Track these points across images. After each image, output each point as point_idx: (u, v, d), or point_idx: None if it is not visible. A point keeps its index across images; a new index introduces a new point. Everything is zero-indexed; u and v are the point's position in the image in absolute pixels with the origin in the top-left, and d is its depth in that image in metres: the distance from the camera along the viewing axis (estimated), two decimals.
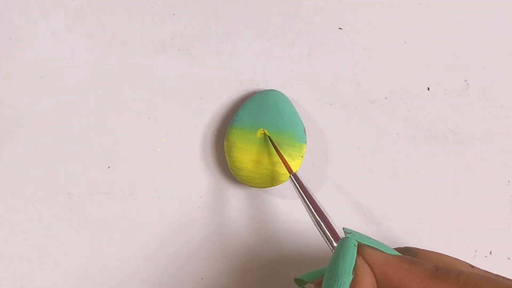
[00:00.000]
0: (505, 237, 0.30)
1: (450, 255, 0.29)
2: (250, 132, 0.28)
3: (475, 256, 0.29)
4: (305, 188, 0.25)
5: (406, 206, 0.30)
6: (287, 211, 0.29)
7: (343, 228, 0.23)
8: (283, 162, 0.27)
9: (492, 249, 0.30)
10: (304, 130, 0.29)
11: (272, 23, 0.30)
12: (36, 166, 0.30)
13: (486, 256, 0.30)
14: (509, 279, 0.21)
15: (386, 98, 0.30)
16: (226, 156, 0.29)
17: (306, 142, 0.28)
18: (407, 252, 0.24)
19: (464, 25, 0.30)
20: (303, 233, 0.29)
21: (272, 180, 0.28)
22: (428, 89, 0.30)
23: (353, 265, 0.21)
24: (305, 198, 0.25)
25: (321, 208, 0.24)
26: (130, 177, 0.30)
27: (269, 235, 0.29)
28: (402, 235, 0.29)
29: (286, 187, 0.29)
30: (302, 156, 0.28)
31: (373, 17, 0.30)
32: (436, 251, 0.29)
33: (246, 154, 0.28)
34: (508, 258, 0.30)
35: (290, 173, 0.26)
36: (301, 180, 0.26)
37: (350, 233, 0.22)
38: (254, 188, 0.29)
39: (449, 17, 0.30)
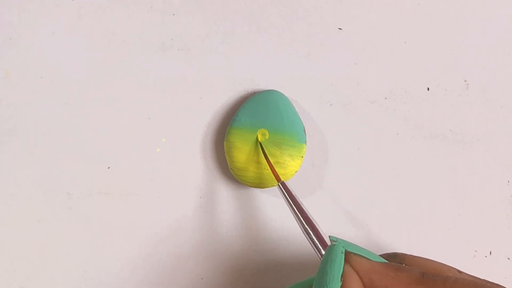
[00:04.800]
0: (505, 237, 0.30)
1: (450, 255, 0.29)
2: (250, 132, 0.28)
3: (475, 256, 0.29)
4: (293, 197, 0.25)
5: (406, 206, 0.30)
6: (287, 211, 0.29)
7: (329, 236, 0.23)
8: (271, 169, 0.27)
9: (492, 249, 0.30)
10: (304, 130, 0.29)
11: (272, 23, 0.30)
12: (36, 166, 0.30)
13: (486, 256, 0.30)
14: (496, 284, 0.21)
15: (386, 98, 0.30)
16: (226, 156, 0.29)
17: (306, 142, 0.28)
18: (394, 258, 0.24)
19: (464, 25, 0.30)
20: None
21: (272, 180, 0.28)
22: (428, 89, 0.30)
23: (341, 272, 0.21)
24: (293, 207, 0.25)
25: (309, 216, 0.24)
26: (130, 177, 0.30)
27: (269, 234, 0.29)
28: (402, 234, 0.29)
29: None
30: (302, 156, 0.28)
31: (373, 17, 0.30)
32: (436, 251, 0.29)
33: (246, 154, 0.28)
34: (508, 258, 0.30)
35: (278, 181, 0.26)
36: (289, 188, 0.25)
37: (336, 241, 0.22)
38: (254, 188, 0.29)
39: (449, 17, 0.30)
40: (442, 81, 0.30)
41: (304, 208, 0.24)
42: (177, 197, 0.30)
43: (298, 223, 0.24)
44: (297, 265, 0.29)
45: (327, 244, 0.23)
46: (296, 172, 0.28)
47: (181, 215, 0.29)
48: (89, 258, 0.29)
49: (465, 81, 0.30)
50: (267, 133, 0.28)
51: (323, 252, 0.23)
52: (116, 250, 0.29)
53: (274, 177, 0.28)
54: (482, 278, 0.22)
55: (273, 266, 0.29)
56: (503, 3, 0.30)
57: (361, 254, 0.22)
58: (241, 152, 0.28)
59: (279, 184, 0.26)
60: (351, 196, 0.30)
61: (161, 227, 0.29)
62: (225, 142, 0.29)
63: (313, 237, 0.23)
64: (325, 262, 0.21)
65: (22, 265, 0.29)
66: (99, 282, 0.29)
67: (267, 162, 0.27)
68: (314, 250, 0.23)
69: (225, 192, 0.30)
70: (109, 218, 0.29)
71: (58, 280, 0.29)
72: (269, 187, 0.28)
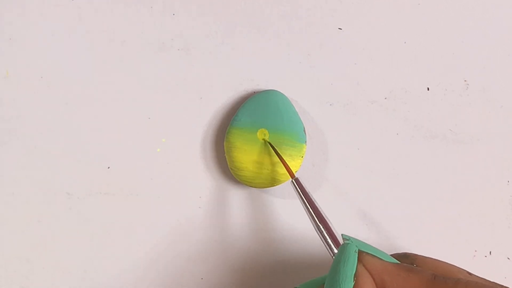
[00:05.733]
0: (505, 237, 0.30)
1: (450, 255, 0.29)
2: (250, 132, 0.28)
3: (475, 256, 0.29)
4: (307, 194, 0.25)
5: (406, 206, 0.30)
6: (287, 211, 0.29)
7: (342, 235, 0.23)
8: (285, 167, 0.26)
9: (492, 249, 0.30)
10: (304, 130, 0.29)
11: (272, 23, 0.30)
12: (36, 166, 0.30)
13: (486, 256, 0.30)
14: (506, 287, 0.21)
15: (386, 98, 0.30)
16: (226, 156, 0.29)
17: (306, 142, 0.28)
18: (405, 259, 0.24)
19: (464, 25, 0.30)
20: (303, 233, 0.29)
21: (272, 180, 0.28)
22: (428, 89, 0.30)
23: (354, 272, 0.21)
24: (307, 204, 0.24)
25: (323, 214, 0.24)
26: (130, 177, 0.30)
27: (269, 235, 0.29)
28: (402, 235, 0.29)
29: (286, 187, 0.29)
30: (302, 156, 0.28)
31: (373, 17, 0.30)
32: (436, 251, 0.29)
33: (246, 154, 0.28)
34: (508, 258, 0.30)
35: (292, 178, 0.26)
36: (302, 185, 0.25)
37: (348, 240, 0.22)
38: (254, 188, 0.29)
39: (449, 17, 0.30)
40: (442, 81, 0.30)
41: (317, 206, 0.24)
42: (177, 197, 0.30)
43: (310, 221, 0.24)
44: (297, 265, 0.29)
45: (339, 242, 0.23)
46: (296, 172, 0.28)
47: (181, 215, 0.29)
48: (89, 258, 0.29)
49: (465, 81, 0.30)
50: (267, 133, 0.28)
51: (335, 251, 0.23)
52: (116, 250, 0.29)
53: (275, 177, 0.28)
54: (484, 278, 0.22)
55: (273, 266, 0.29)
56: (503, 3, 0.30)
57: (373, 253, 0.22)
58: (241, 152, 0.28)
59: (293, 180, 0.26)
60: (351, 196, 0.30)
61: (161, 227, 0.29)
62: (225, 142, 0.29)
63: (326, 235, 0.23)
64: (338, 261, 0.21)
65: (22, 265, 0.29)
66: (99, 282, 0.29)
67: (280, 159, 0.27)
68: (326, 248, 0.23)
69: (225, 192, 0.30)
70: (109, 218, 0.29)
71: (58, 280, 0.29)
72: (268, 187, 0.28)
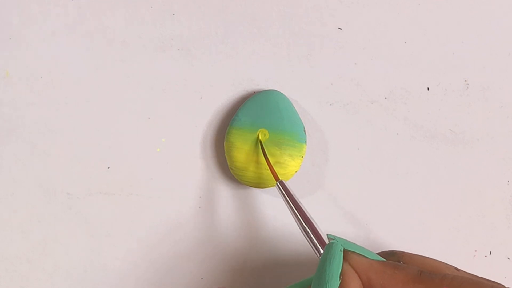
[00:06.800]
0: (505, 237, 0.30)
1: (450, 255, 0.29)
2: (250, 132, 0.28)
3: (475, 256, 0.29)
4: (292, 196, 0.25)
5: (406, 206, 0.30)
6: (287, 211, 0.29)
7: (327, 235, 0.23)
8: (270, 169, 0.27)
9: (492, 249, 0.30)
10: (304, 130, 0.29)
11: (272, 23, 0.30)
12: (36, 166, 0.30)
13: (486, 256, 0.30)
14: (493, 282, 0.20)
15: (386, 98, 0.30)
16: (226, 156, 0.29)
17: (306, 142, 0.28)
18: (392, 256, 0.24)
19: (464, 25, 0.30)
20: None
21: (272, 180, 0.28)
22: (428, 89, 0.30)
23: (339, 271, 0.21)
24: (291, 205, 0.25)
25: (308, 215, 0.24)
26: (130, 177, 0.30)
27: (269, 235, 0.29)
28: (402, 234, 0.29)
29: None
30: (302, 156, 0.28)
31: (373, 17, 0.30)
32: (436, 251, 0.29)
33: (246, 154, 0.28)
34: (508, 258, 0.30)
35: (276, 180, 0.26)
36: (287, 187, 0.25)
37: (333, 239, 0.22)
38: (254, 188, 0.29)
39: (449, 17, 0.30)
40: (442, 81, 0.30)
41: (302, 207, 0.24)
42: (177, 197, 0.30)
43: (296, 222, 0.24)
44: (298, 264, 0.29)
45: (325, 242, 0.23)
46: (296, 172, 0.28)
47: (181, 215, 0.29)
48: (89, 258, 0.29)
49: (465, 81, 0.30)
50: (267, 133, 0.28)
51: (322, 251, 0.23)
52: (116, 250, 0.29)
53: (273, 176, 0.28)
54: (472, 274, 0.22)
55: (273, 266, 0.29)
56: (503, 3, 0.30)
57: (358, 252, 0.22)
58: (241, 152, 0.28)
59: (278, 183, 0.26)
60: (351, 196, 0.30)
61: (161, 227, 0.29)
62: (225, 142, 0.29)
63: (311, 235, 0.23)
64: (324, 261, 0.21)
65: (22, 265, 0.29)
66: (99, 282, 0.29)
67: (266, 161, 0.27)
68: (313, 248, 0.23)
69: (225, 192, 0.30)
70: (109, 218, 0.29)
71: (58, 280, 0.29)
72: (269, 187, 0.28)
